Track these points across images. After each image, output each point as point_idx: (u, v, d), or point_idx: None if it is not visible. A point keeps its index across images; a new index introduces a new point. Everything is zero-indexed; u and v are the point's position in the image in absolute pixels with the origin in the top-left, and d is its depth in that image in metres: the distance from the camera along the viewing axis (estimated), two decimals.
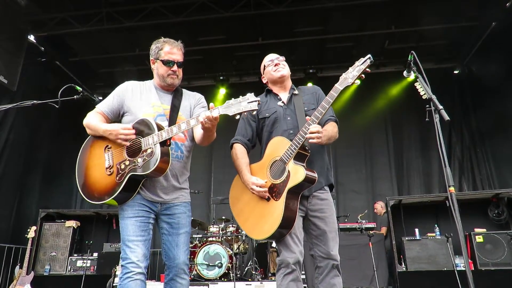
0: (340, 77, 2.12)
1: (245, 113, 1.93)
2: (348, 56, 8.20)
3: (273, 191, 2.22)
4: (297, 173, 2.14)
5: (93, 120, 2.22)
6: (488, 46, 7.20)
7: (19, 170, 7.04)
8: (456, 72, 8.49)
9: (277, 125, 2.41)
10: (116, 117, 2.28)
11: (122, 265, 2.10)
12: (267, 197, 2.23)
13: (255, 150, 2.57)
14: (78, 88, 2.27)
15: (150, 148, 2.04)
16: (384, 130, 8.47)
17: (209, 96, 8.44)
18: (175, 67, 2.25)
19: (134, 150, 2.10)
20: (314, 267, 2.32)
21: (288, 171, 2.17)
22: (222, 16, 6.77)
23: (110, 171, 2.13)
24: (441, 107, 1.92)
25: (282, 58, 2.55)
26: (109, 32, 7.14)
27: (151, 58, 2.32)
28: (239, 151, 2.45)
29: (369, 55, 2.02)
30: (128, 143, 2.12)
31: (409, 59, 2.11)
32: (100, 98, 2.67)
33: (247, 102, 1.91)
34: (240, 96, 1.94)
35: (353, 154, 8.13)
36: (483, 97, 7.77)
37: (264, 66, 2.58)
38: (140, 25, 6.93)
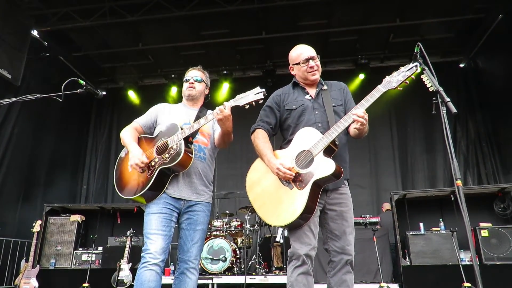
0: (384, 79, 2.15)
1: (253, 103, 2.28)
2: (352, 49, 8.14)
3: (297, 180, 2.19)
4: (326, 165, 2.12)
5: (127, 137, 2.53)
6: (495, 39, 7.09)
7: (23, 164, 7.07)
8: (461, 65, 8.40)
9: (304, 117, 2.38)
10: (149, 129, 2.64)
11: (141, 256, 2.26)
12: (291, 179, 2.18)
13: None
14: (82, 81, 2.27)
15: (175, 144, 2.35)
16: (389, 124, 8.41)
17: (213, 90, 8.40)
18: (191, 81, 2.69)
19: (162, 149, 2.42)
20: (327, 261, 2.31)
21: (317, 163, 2.15)
22: (226, 10, 6.72)
23: (142, 170, 2.39)
24: (448, 99, 1.88)
25: (318, 57, 2.47)
26: (112, 26, 7.13)
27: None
28: (262, 136, 2.42)
29: (416, 63, 2.05)
30: (136, 170, 2.40)
31: (415, 51, 2.07)
32: (104, 93, 2.73)
33: (254, 94, 2.28)
34: (248, 90, 2.30)
35: (357, 149, 8.07)
36: (489, 91, 7.68)
37: (299, 63, 2.46)
38: (143, 19, 6.90)
